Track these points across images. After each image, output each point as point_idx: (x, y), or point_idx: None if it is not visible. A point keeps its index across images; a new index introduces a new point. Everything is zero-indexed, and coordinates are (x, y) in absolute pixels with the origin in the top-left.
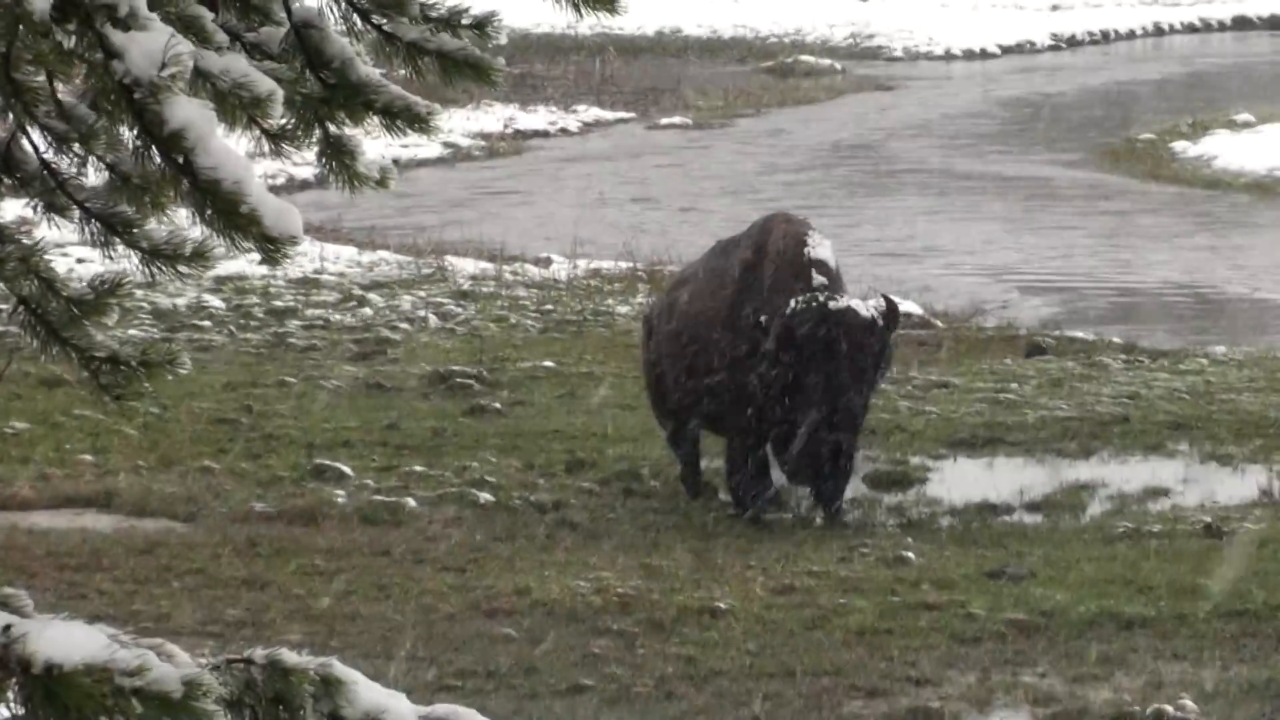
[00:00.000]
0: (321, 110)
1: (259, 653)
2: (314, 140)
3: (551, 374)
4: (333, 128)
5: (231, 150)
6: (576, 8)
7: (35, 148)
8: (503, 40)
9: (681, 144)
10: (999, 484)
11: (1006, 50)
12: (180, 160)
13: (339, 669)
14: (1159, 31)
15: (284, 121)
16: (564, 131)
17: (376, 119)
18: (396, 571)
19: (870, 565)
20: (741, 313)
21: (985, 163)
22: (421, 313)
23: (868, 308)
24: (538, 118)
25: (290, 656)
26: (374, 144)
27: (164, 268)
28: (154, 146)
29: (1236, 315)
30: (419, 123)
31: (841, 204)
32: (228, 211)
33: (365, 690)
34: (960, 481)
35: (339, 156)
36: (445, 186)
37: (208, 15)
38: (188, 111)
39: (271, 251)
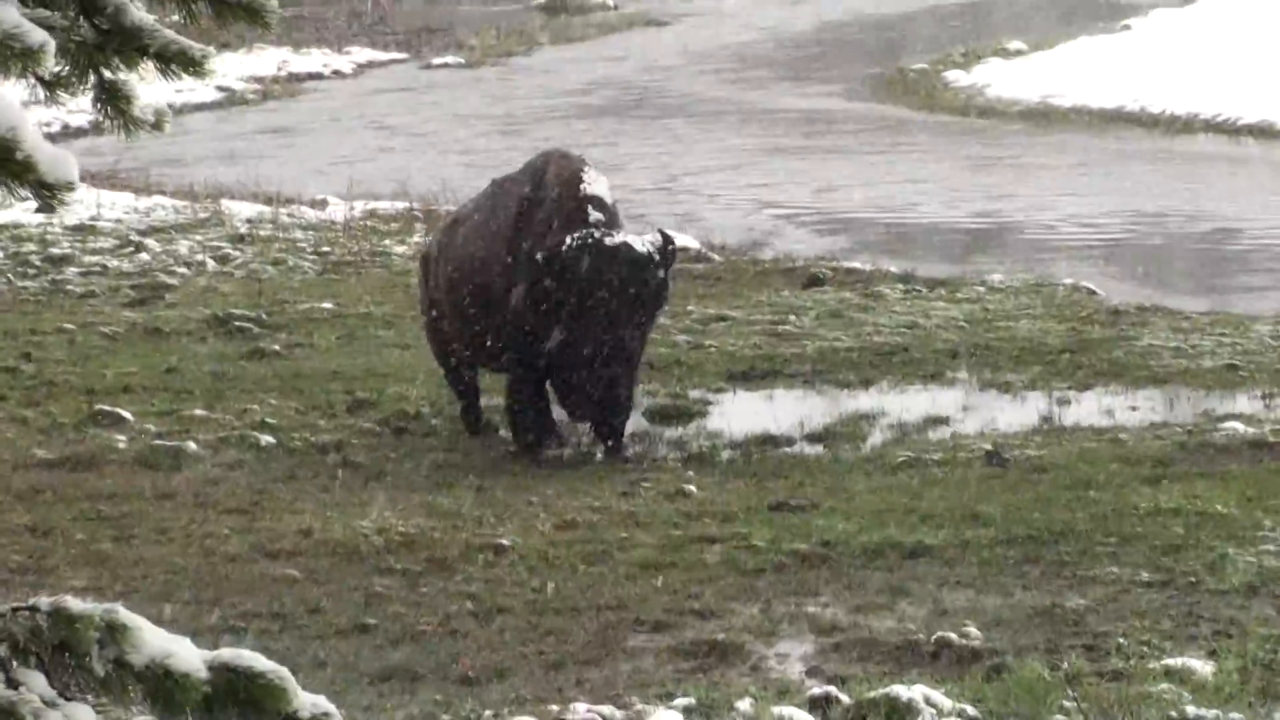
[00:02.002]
0: (96, 56)
1: (44, 600)
2: (89, 86)
3: (330, 315)
4: (108, 73)
5: (5, 98)
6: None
7: None
8: None
9: (454, 83)
10: (779, 416)
11: None
12: None
13: (124, 615)
14: None
15: (59, 69)
16: (337, 74)
17: (151, 64)
18: (179, 515)
19: (652, 499)
20: (518, 251)
21: (760, 95)
22: (199, 257)
23: (644, 243)
24: (311, 60)
25: (75, 603)
26: (148, 89)
27: None
28: None
29: (1011, 243)
30: (193, 66)
31: (613, 140)
32: (3, 159)
33: (151, 635)
34: (741, 414)
35: (114, 101)
36: (220, 130)
37: None
38: None
39: (48, 198)
